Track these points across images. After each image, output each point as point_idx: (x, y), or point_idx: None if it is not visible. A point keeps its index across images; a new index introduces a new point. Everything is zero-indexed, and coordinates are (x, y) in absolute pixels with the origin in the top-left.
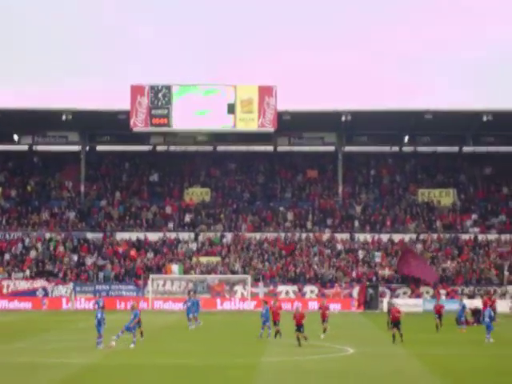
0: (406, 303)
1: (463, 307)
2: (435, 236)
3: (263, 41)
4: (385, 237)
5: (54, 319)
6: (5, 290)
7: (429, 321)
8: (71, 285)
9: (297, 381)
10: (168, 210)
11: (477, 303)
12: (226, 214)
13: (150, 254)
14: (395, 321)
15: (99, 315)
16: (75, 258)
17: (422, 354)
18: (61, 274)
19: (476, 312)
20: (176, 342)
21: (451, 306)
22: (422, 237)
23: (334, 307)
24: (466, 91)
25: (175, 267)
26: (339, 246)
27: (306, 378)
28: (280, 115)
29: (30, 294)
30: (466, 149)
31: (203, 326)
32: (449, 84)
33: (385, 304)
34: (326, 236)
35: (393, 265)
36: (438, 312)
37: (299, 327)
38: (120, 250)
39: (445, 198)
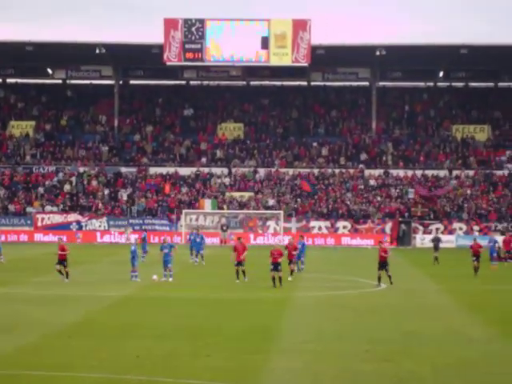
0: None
1: (494, 243)
2: (469, 172)
3: None
4: (418, 173)
5: (89, 252)
6: (39, 224)
7: (461, 256)
8: (105, 219)
9: (331, 315)
10: (201, 144)
11: None
12: (259, 150)
13: (183, 189)
14: (382, 261)
15: (133, 248)
16: (108, 192)
17: (454, 290)
18: (94, 208)
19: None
20: (209, 277)
21: (484, 242)
22: (455, 173)
23: (367, 242)
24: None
25: (208, 202)
26: (372, 182)
27: (338, 312)
28: (314, 49)
29: (64, 227)
30: (501, 84)
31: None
32: (480, 19)
33: (418, 240)
34: (358, 171)
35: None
36: (476, 252)
37: (276, 265)
38: (153, 184)
39: (479, 133)
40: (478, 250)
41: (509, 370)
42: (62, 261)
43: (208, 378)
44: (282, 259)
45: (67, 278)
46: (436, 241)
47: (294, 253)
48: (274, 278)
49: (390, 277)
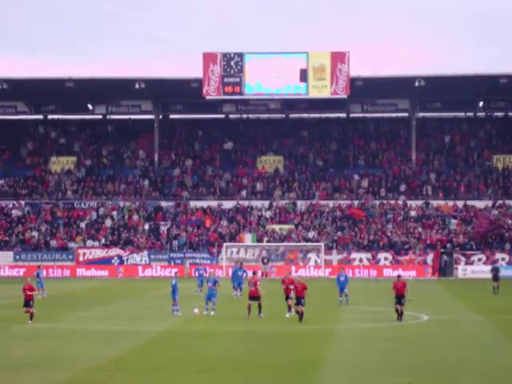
0: (482, 270)
1: None
2: (511, 202)
3: (335, 4)
4: (460, 203)
5: (130, 287)
6: (81, 258)
7: (504, 287)
8: (146, 253)
9: (373, 347)
10: (241, 177)
11: None
12: (299, 182)
13: (224, 222)
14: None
15: (173, 282)
16: (149, 226)
17: (498, 321)
18: (135, 243)
19: None
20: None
21: None
22: (498, 203)
23: (409, 274)
24: None
25: (248, 236)
26: (413, 213)
27: (382, 345)
28: (353, 81)
29: (106, 262)
30: None
31: (277, 293)
32: None
33: (460, 271)
34: (399, 203)
35: (468, 232)
36: (401, 291)
37: (299, 299)
38: (193, 218)
39: None
40: (402, 289)
41: None
42: (29, 301)
43: None
44: (306, 293)
45: (31, 319)
46: (495, 270)
47: (291, 287)
48: (297, 312)
49: (401, 312)
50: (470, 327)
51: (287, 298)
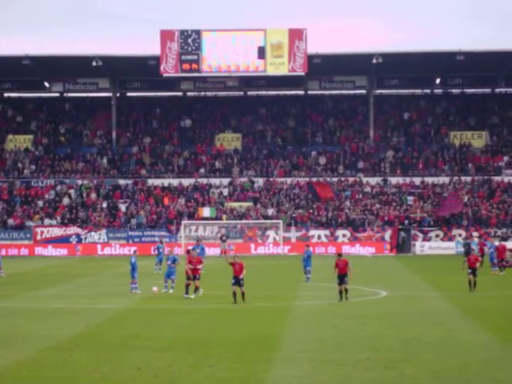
0: (439, 246)
1: (495, 249)
2: (467, 178)
3: None
4: (417, 180)
5: (89, 265)
6: (39, 237)
7: (461, 263)
8: (104, 231)
9: (332, 324)
10: (200, 155)
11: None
12: (257, 159)
13: (182, 200)
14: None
15: (133, 260)
16: (107, 204)
17: (454, 296)
18: (93, 221)
19: None
20: (209, 287)
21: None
22: (454, 179)
23: (368, 250)
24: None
25: (207, 210)
26: (371, 190)
27: (340, 321)
28: (310, 58)
29: (64, 240)
30: (498, 90)
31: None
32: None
33: (417, 247)
34: (357, 180)
35: (425, 208)
36: (473, 265)
37: (237, 279)
38: (152, 196)
39: (477, 140)
40: (474, 262)
41: (510, 374)
42: None
43: None
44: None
45: None
46: (467, 246)
47: (200, 266)
48: (234, 294)
49: (346, 290)
50: (428, 303)
51: (194, 278)
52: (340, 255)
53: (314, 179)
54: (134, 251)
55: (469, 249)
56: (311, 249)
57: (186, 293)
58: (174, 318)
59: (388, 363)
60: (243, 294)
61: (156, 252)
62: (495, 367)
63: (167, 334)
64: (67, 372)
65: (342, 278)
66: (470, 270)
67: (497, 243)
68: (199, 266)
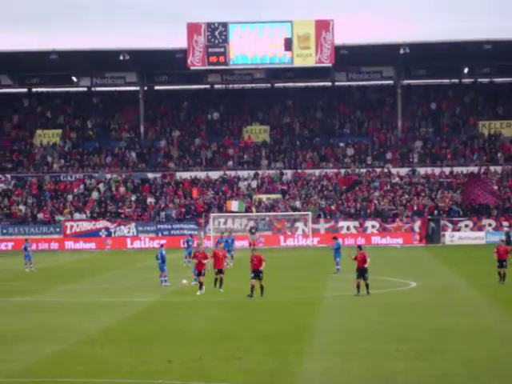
0: (469, 236)
1: None
2: (497, 168)
3: None
4: (446, 170)
5: (118, 259)
6: (68, 231)
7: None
8: (133, 224)
9: (361, 315)
10: (228, 148)
11: None
12: (285, 152)
13: (211, 193)
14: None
15: (163, 253)
16: (136, 198)
17: (485, 286)
18: (122, 215)
19: None
20: (239, 280)
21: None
22: (483, 169)
23: (397, 241)
24: None
25: (235, 204)
26: (399, 180)
27: (370, 312)
28: (337, 49)
29: (93, 234)
30: None
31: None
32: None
33: (447, 237)
34: (385, 170)
35: (454, 198)
36: (503, 257)
37: (257, 272)
38: (180, 189)
39: (506, 129)
40: (504, 254)
41: None
42: None
43: (241, 380)
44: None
45: None
46: (507, 235)
47: (205, 262)
48: (253, 287)
49: (367, 285)
50: (458, 293)
51: (199, 274)
52: (360, 248)
53: (343, 171)
54: (161, 244)
55: (509, 238)
56: (340, 240)
57: (215, 285)
58: (204, 311)
59: (418, 354)
60: (262, 287)
61: (185, 245)
62: None
63: (197, 326)
64: (98, 365)
65: (360, 271)
66: (498, 263)
67: None
68: (205, 261)
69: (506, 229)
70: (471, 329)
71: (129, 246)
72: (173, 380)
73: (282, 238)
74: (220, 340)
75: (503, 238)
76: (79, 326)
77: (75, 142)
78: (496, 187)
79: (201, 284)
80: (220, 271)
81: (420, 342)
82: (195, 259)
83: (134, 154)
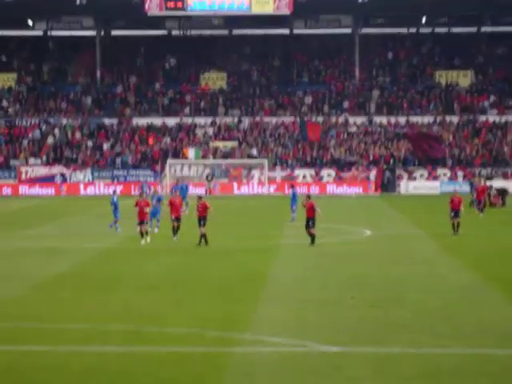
0: (424, 185)
1: (475, 190)
2: (453, 118)
3: None
4: (402, 119)
5: (73, 204)
6: (23, 177)
7: (446, 203)
8: (89, 170)
9: (317, 263)
10: (185, 94)
11: (500, 184)
12: (242, 99)
13: (167, 140)
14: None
15: (114, 200)
16: (92, 143)
17: (439, 235)
18: (79, 160)
19: (502, 192)
20: (193, 227)
21: (469, 187)
22: (439, 119)
23: (353, 190)
24: None
25: (191, 151)
26: (356, 130)
27: (325, 260)
28: None
29: (49, 180)
30: (484, 29)
31: (220, 210)
32: None
33: (402, 187)
34: (342, 119)
35: (410, 147)
36: (456, 208)
37: (202, 220)
38: (136, 135)
39: (462, 79)
40: (458, 204)
41: (493, 313)
42: None
43: (195, 326)
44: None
45: None
46: (471, 184)
47: (147, 210)
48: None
49: (312, 236)
50: (413, 242)
51: (141, 223)
52: (309, 197)
53: (298, 119)
54: (114, 191)
55: (472, 187)
56: (297, 189)
57: (174, 234)
58: (159, 258)
59: (373, 302)
60: (203, 235)
61: (139, 192)
62: (479, 306)
63: (151, 273)
64: (53, 310)
65: (308, 221)
66: (452, 214)
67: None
68: (147, 210)
69: (477, 179)
70: (426, 278)
71: (84, 192)
72: (127, 324)
73: (235, 185)
74: (174, 286)
75: (457, 188)
76: (32, 272)
77: (31, 87)
78: (438, 139)
79: (142, 233)
80: (177, 219)
81: (375, 290)
82: (137, 207)
83: (89, 100)
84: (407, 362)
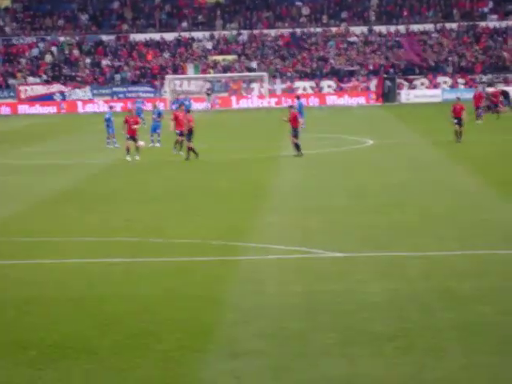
0: (425, 94)
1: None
2: (453, 25)
3: None
4: (402, 28)
5: (73, 122)
6: (22, 95)
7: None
8: (88, 88)
9: (318, 172)
10: (182, 8)
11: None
12: (240, 12)
13: (166, 55)
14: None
15: (106, 116)
16: (90, 61)
17: (441, 142)
18: (77, 78)
19: (505, 94)
20: (195, 140)
21: (470, 94)
22: (439, 26)
23: (354, 101)
24: None
25: (191, 67)
26: (355, 39)
27: (327, 169)
28: None
29: (48, 98)
30: None
31: (218, 123)
32: None
33: (403, 96)
34: (341, 29)
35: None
36: (458, 115)
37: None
38: (135, 51)
39: None
40: (460, 111)
41: (496, 215)
42: None
43: (199, 236)
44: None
45: None
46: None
47: (135, 127)
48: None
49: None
50: (415, 150)
51: (131, 138)
52: (291, 107)
53: (298, 30)
54: (110, 106)
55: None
56: (302, 100)
57: (175, 148)
58: (162, 172)
59: (376, 208)
60: (190, 148)
61: (134, 107)
62: (481, 209)
63: (155, 186)
64: (58, 224)
65: (292, 130)
66: (455, 121)
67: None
68: (135, 126)
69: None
70: (429, 184)
71: (83, 109)
72: (132, 237)
73: (234, 99)
74: (176, 199)
75: (459, 95)
76: (36, 188)
77: (26, 5)
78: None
79: (128, 149)
80: (181, 133)
81: (378, 196)
82: (126, 123)
83: (86, 16)
84: (413, 265)
